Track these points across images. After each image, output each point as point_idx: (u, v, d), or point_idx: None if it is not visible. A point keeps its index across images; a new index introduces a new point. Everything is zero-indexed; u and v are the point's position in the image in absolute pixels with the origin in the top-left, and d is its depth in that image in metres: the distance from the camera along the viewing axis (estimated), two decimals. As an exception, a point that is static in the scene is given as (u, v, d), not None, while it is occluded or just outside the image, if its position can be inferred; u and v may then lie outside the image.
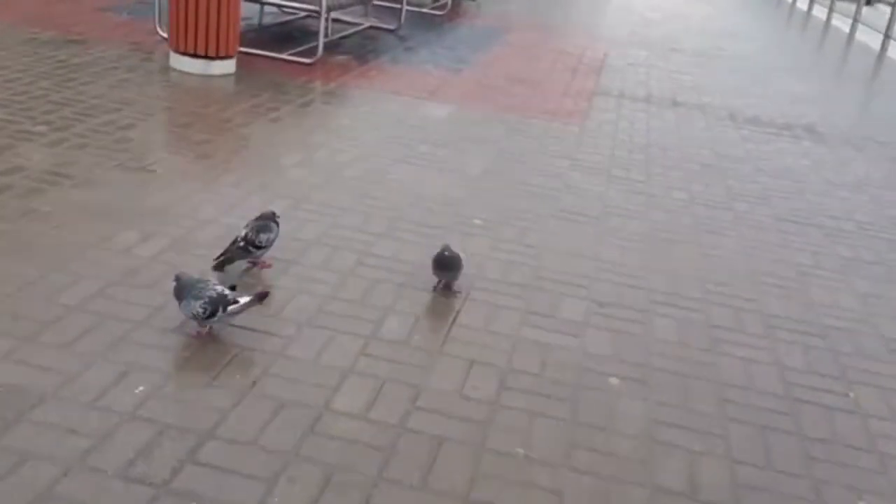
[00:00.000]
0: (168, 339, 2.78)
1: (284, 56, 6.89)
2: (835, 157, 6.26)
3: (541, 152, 5.38)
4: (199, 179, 4.17)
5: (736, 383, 2.96)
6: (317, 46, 6.93)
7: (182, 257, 3.33)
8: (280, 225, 3.39)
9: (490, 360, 2.90)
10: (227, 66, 6.17)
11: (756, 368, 3.08)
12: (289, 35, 7.89)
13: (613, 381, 2.87)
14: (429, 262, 3.50)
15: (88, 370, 2.55)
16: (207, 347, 2.76)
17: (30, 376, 2.49)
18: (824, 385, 3.03)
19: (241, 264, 3.32)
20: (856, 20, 14.93)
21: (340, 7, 7.43)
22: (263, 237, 3.30)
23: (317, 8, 6.78)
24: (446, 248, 3.32)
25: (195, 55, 6.00)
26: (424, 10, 10.44)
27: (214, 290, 2.81)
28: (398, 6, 8.88)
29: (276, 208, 3.84)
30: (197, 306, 2.77)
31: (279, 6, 7.58)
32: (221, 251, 3.31)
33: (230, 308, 2.78)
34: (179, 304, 2.82)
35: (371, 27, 8.84)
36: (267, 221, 3.35)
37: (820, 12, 17.53)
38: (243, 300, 2.80)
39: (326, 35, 7.10)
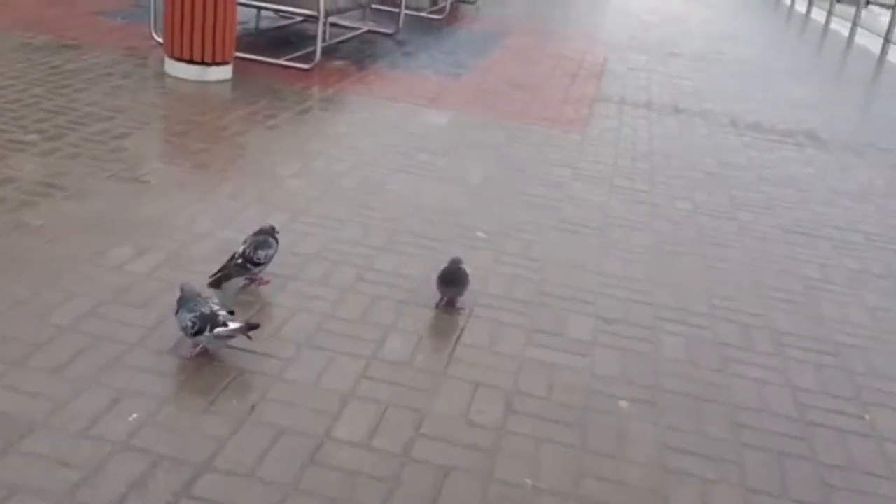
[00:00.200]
0: (163, 361, 2.69)
1: (281, 61, 6.79)
2: (838, 164, 6.19)
3: (542, 161, 5.30)
4: (195, 190, 4.08)
5: (748, 406, 2.88)
6: (314, 51, 6.83)
7: (177, 273, 3.24)
8: (278, 240, 3.30)
9: (495, 381, 2.81)
10: (224, 72, 6.07)
11: (768, 390, 3.00)
12: (286, 40, 7.79)
13: (623, 404, 2.78)
14: (431, 277, 3.41)
15: (80, 396, 2.46)
16: (203, 370, 2.67)
17: (19, 403, 2.39)
18: (838, 407, 2.95)
19: (238, 281, 3.23)
20: (855, 23, 14.88)
21: (338, 12, 7.34)
22: (262, 254, 3.21)
23: (315, 13, 6.69)
24: (456, 261, 3.22)
25: (191, 61, 5.91)
26: (422, 14, 10.35)
27: (209, 307, 2.73)
28: (396, 10, 8.80)
29: (273, 220, 3.76)
30: (187, 319, 2.69)
31: (276, 11, 7.48)
32: (218, 268, 3.21)
33: (217, 330, 2.68)
34: (177, 313, 2.75)
35: (369, 31, 8.75)
36: (266, 237, 3.25)
37: (819, 15, 17.48)
38: (232, 325, 2.70)
39: (324, 40, 7.00)
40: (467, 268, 3.28)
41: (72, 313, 2.87)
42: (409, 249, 3.74)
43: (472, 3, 12.08)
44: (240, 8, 6.29)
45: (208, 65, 5.95)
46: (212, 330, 2.68)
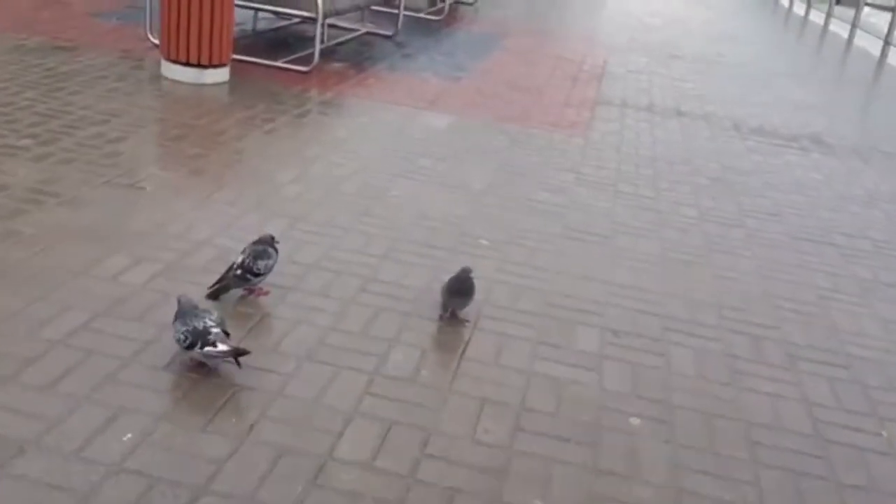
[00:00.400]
0: (158, 378, 2.60)
1: (279, 64, 6.70)
2: (844, 169, 6.11)
3: (545, 165, 5.21)
4: (192, 197, 3.99)
5: (762, 422, 2.80)
6: (312, 53, 6.74)
7: (174, 284, 3.15)
8: (278, 249, 3.21)
9: (502, 398, 2.72)
10: (221, 75, 5.98)
11: (782, 405, 2.91)
12: (283, 41, 7.70)
13: (634, 421, 2.70)
14: (433, 287, 3.33)
15: (73, 414, 2.37)
16: (200, 386, 2.58)
17: (9, 423, 2.30)
18: (855, 423, 2.87)
19: (236, 292, 3.14)
20: (854, 25, 14.82)
21: (337, 13, 7.24)
22: (262, 264, 3.11)
23: (313, 14, 6.59)
24: (466, 271, 3.13)
25: (187, 63, 5.81)
26: (421, 15, 10.26)
27: (203, 322, 2.63)
28: (395, 11, 8.71)
29: (272, 228, 3.69)
30: (180, 332, 2.61)
31: (274, 12, 7.39)
32: (217, 279, 3.13)
33: (206, 349, 2.59)
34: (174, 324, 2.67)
35: (367, 33, 8.66)
36: (265, 247, 3.16)
37: (817, 17, 17.43)
38: (221, 347, 2.60)
39: (322, 41, 6.91)
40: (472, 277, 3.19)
41: (65, 327, 2.78)
42: (412, 259, 3.65)
43: (471, 4, 12.00)
44: (237, 9, 6.19)
45: (205, 67, 5.85)
46: (202, 347, 2.59)
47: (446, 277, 3.32)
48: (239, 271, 3.10)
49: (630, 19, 13.59)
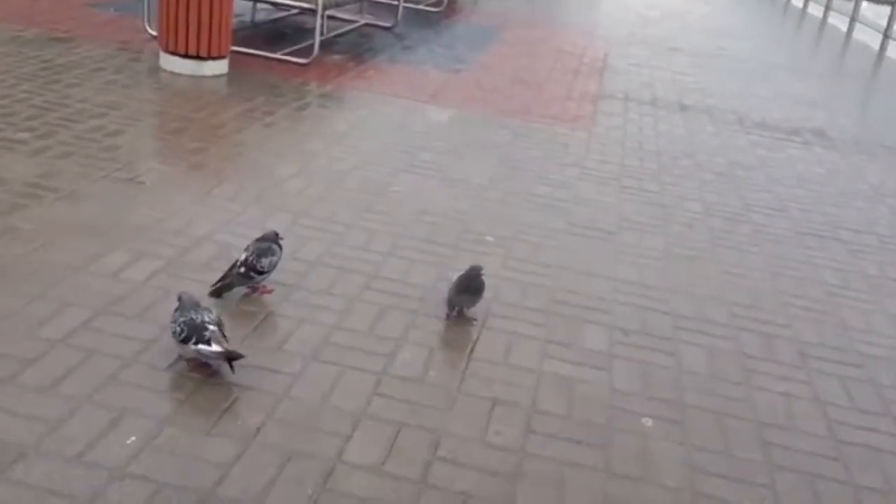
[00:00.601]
0: (161, 378, 2.54)
1: (279, 56, 6.62)
2: (847, 164, 6.07)
3: (548, 160, 5.15)
4: (192, 192, 3.92)
5: (776, 423, 2.75)
6: (312, 45, 6.66)
7: (175, 281, 3.08)
8: (282, 246, 3.15)
9: (513, 398, 2.67)
10: (220, 67, 5.90)
11: (795, 405, 2.87)
12: (282, 33, 7.62)
13: (647, 422, 2.65)
14: (440, 285, 3.28)
15: (74, 417, 2.31)
16: (204, 388, 2.52)
17: (8, 426, 2.24)
18: (869, 423, 2.83)
19: (239, 290, 3.08)
20: (853, 19, 14.77)
21: (336, 5, 7.17)
22: (265, 261, 3.05)
23: (312, 5, 6.51)
24: (477, 269, 3.07)
25: (186, 55, 5.73)
26: (420, 6, 10.18)
27: (202, 316, 2.57)
28: (394, 3, 8.63)
29: (273, 223, 3.63)
30: (178, 323, 2.55)
31: (273, 3, 7.31)
32: (219, 276, 3.06)
33: (199, 346, 2.53)
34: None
35: (367, 25, 8.58)
36: (269, 244, 3.10)
37: (815, 10, 17.37)
38: (214, 348, 2.53)
39: (322, 33, 6.83)
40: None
41: (64, 326, 2.72)
42: (416, 255, 3.59)
43: (470, -4, 11.91)
44: (235, 0, 6.11)
45: (204, 59, 5.78)
46: (196, 343, 2.53)
47: (452, 275, 3.27)
48: (242, 269, 3.03)
49: (629, 13, 13.51)
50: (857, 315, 3.63)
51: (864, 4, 15.88)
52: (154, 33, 6.25)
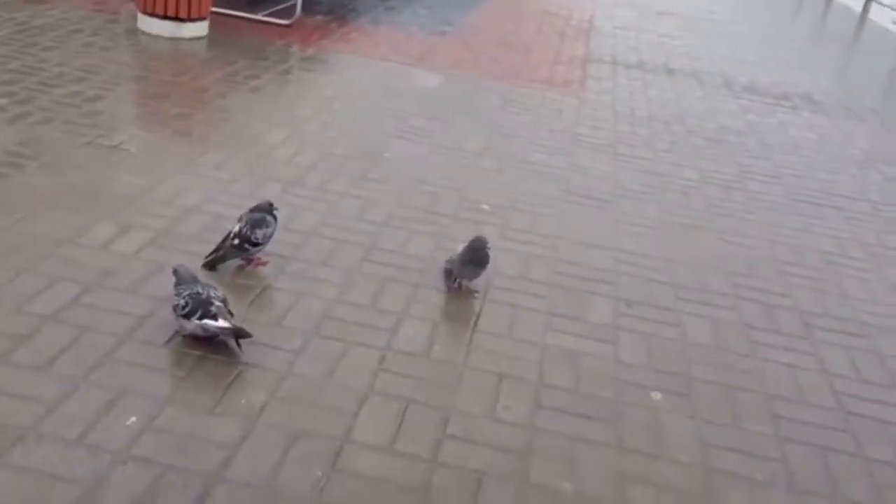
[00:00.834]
0: (159, 355, 2.45)
1: (260, 17, 6.43)
2: (837, 129, 6.04)
3: (540, 126, 5.07)
4: (179, 160, 3.80)
5: (784, 395, 2.73)
6: (294, 6, 6.49)
7: (166, 254, 2.98)
8: (277, 217, 3.05)
9: (519, 373, 2.62)
10: (200, 29, 5.72)
11: (802, 376, 2.84)
12: (262, -7, 7.41)
13: (656, 395, 2.61)
14: (438, 256, 3.21)
15: (71, 397, 2.22)
16: (205, 365, 2.44)
17: (5, 407, 2.15)
18: (875, 395, 2.81)
19: (233, 262, 2.98)
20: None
21: (318, -36, 6.96)
22: (260, 233, 2.96)
23: (294, -35, 6.33)
24: (482, 241, 2.98)
25: (165, 16, 5.54)
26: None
27: (208, 292, 2.50)
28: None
29: (265, 192, 3.55)
30: (182, 297, 2.47)
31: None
32: (213, 248, 2.97)
33: (205, 321, 2.44)
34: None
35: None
36: (263, 215, 3.00)
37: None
38: (222, 323, 2.46)
39: (304, -7, 6.65)
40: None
41: (55, 301, 2.61)
42: (413, 226, 3.51)
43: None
44: (216, -40, 5.92)
45: (183, 21, 5.59)
46: (201, 318, 2.44)
47: (450, 245, 3.20)
48: (236, 241, 2.94)
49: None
50: (857, 284, 3.61)
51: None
52: (131, -7, 6.04)
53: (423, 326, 2.79)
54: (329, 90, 5.18)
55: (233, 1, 6.66)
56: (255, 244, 2.96)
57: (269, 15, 6.51)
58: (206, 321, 2.43)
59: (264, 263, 3.02)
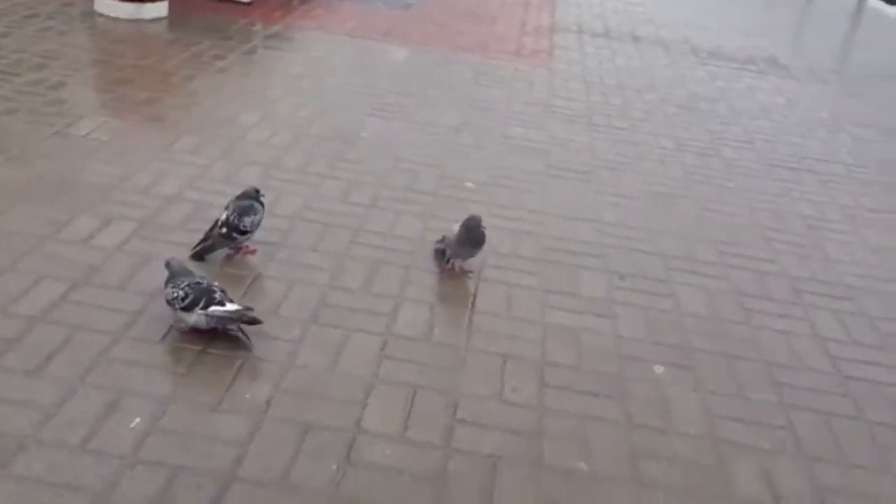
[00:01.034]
0: (155, 353, 2.38)
1: (220, -5, 6.26)
2: (804, 92, 6.10)
3: (515, 99, 5.03)
4: (152, 147, 3.69)
5: (782, 361, 2.75)
6: (254, -17, 6.32)
7: (151, 245, 2.90)
8: (264, 203, 2.98)
9: (522, 352, 2.60)
10: (160, 9, 5.55)
11: (798, 343, 2.87)
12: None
13: (658, 369, 2.62)
14: (428, 237, 3.17)
15: (69, 401, 2.15)
16: (204, 360, 2.38)
17: (1, 414, 2.07)
18: (868, 357, 2.85)
19: (221, 251, 2.91)
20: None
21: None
22: (248, 220, 2.89)
23: (253, -59, 6.15)
24: (478, 220, 2.94)
25: (123, -2, 5.37)
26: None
27: (206, 281, 2.44)
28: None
29: (244, 177, 3.49)
30: (180, 288, 2.40)
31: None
32: (200, 238, 2.89)
33: (213, 308, 2.39)
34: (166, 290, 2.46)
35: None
36: (251, 202, 2.93)
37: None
38: (230, 307, 2.41)
39: (263, -30, 6.47)
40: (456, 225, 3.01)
41: (41, 301, 2.52)
42: (398, 206, 3.46)
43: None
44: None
45: (143, 1, 5.41)
46: (206, 307, 2.38)
47: (437, 225, 3.18)
48: (224, 229, 2.87)
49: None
50: (839, 247, 3.66)
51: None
52: (85, -26, 5.83)
53: (421, 309, 2.75)
54: (297, 68, 5.07)
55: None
56: (244, 232, 2.89)
57: (228, -8, 6.34)
58: (213, 308, 2.36)
59: (252, 252, 2.96)
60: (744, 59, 6.81)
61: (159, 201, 3.21)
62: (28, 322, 2.42)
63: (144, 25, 5.38)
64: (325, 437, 2.15)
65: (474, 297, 2.89)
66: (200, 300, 2.38)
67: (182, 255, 2.79)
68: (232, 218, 2.87)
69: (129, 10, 5.38)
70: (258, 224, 2.93)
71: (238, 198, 2.95)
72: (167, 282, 2.47)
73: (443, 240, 3.04)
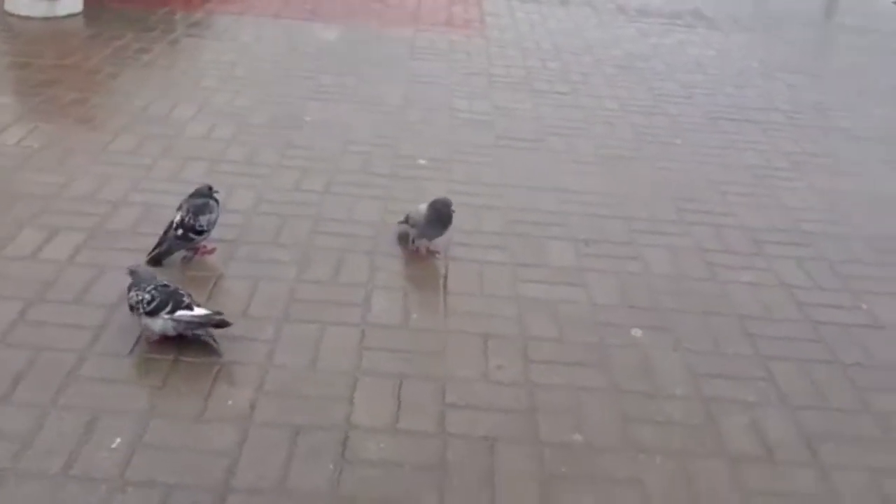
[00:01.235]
0: (126, 367, 2.28)
1: (135, -15, 6.00)
2: (732, 43, 6.18)
3: (454, 71, 4.97)
4: (89, 150, 3.53)
5: (752, 314, 2.79)
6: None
7: (103, 255, 2.78)
8: (219, 200, 2.88)
9: (502, 330, 2.58)
10: (75, 5, 5.30)
11: (765, 293, 2.92)
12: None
13: (636, 333, 2.63)
14: (389, 219, 3.11)
15: (43, 427, 2.05)
16: (179, 369, 2.29)
17: (-28, 450, 1.96)
18: (834, 301, 2.91)
19: (178, 254, 2.80)
20: None
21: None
22: (203, 219, 2.78)
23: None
24: (447, 203, 2.88)
25: (34, -5, 5.11)
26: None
27: (173, 285, 2.35)
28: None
29: (189, 174, 3.39)
30: (147, 291, 2.30)
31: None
32: (156, 242, 2.77)
33: (179, 313, 2.30)
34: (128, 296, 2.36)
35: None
36: (205, 200, 2.82)
37: None
38: (199, 311, 2.33)
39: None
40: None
41: (-3, 323, 2.40)
42: (355, 190, 3.39)
43: None
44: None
45: (55, -4, 5.16)
46: (173, 311, 2.29)
47: (397, 207, 3.13)
48: (179, 231, 2.76)
49: None
50: (790, 194, 3.72)
51: None
52: (-11, -28, 5.52)
53: (394, 296, 2.70)
54: (227, 56, 4.91)
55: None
56: (200, 232, 2.79)
57: (144, -19, 6.09)
58: (181, 312, 2.28)
59: (211, 251, 2.86)
60: (670, 13, 6.86)
61: (105, 207, 3.08)
62: (-15, 348, 2.30)
63: (60, 23, 5.14)
64: (317, 437, 2.09)
65: (445, 277, 2.85)
66: (167, 304, 2.29)
67: (136, 262, 2.68)
68: (187, 218, 2.76)
69: (42, 8, 5.13)
70: (215, 222, 2.83)
71: (191, 196, 2.84)
72: (130, 287, 2.37)
73: (406, 220, 2.99)
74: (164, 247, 2.76)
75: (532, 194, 3.50)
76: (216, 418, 2.13)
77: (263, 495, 1.92)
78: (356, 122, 4.07)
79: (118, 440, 2.02)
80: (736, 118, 4.62)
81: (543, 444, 2.14)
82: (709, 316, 2.76)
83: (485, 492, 1.98)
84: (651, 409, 2.31)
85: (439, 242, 2.98)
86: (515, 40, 5.70)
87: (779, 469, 2.13)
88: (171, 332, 2.31)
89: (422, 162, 3.71)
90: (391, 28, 5.75)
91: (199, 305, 2.36)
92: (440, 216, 2.85)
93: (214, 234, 2.86)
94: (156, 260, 2.75)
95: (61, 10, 5.21)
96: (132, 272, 2.39)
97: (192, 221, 2.76)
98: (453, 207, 2.88)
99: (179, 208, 2.80)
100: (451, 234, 3.02)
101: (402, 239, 3.02)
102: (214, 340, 2.35)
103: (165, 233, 2.78)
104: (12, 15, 5.15)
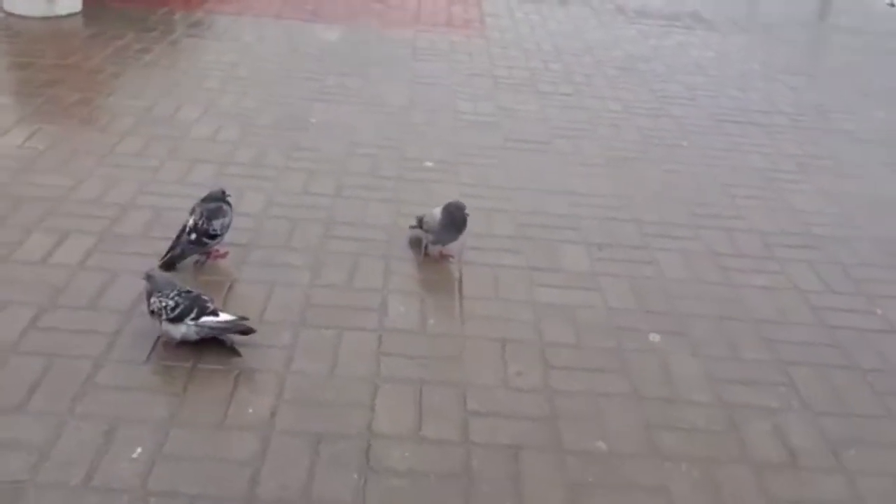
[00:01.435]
0: (144, 374, 2.26)
1: (133, -16, 5.96)
2: (732, 45, 6.19)
3: (457, 72, 4.95)
4: (95, 152, 3.49)
5: (768, 318, 2.78)
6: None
7: (115, 259, 2.74)
8: (231, 204, 2.84)
9: (519, 335, 2.56)
10: (73, 4, 5.25)
11: (780, 298, 2.91)
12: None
13: (654, 338, 2.61)
14: (401, 223, 3.09)
15: (62, 437, 2.02)
16: (198, 377, 2.26)
17: (-10, 460, 1.93)
18: (848, 304, 2.91)
19: (191, 258, 2.77)
20: None
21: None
22: (217, 224, 2.75)
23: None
24: (461, 206, 2.86)
25: (33, -6, 5.06)
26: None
27: (197, 291, 2.34)
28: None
29: (198, 176, 3.37)
30: (170, 298, 2.28)
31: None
32: (168, 246, 2.74)
33: (203, 318, 2.28)
34: (148, 302, 2.33)
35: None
36: (218, 204, 2.80)
37: None
38: (224, 317, 2.31)
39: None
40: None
41: (10, 330, 2.36)
42: (364, 193, 3.37)
43: None
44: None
45: (55, -6, 5.11)
46: (198, 317, 2.27)
47: (408, 210, 3.12)
48: (193, 235, 2.73)
49: None
50: (799, 197, 3.72)
51: None
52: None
53: (410, 300, 2.68)
54: (229, 56, 4.87)
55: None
56: (214, 236, 2.76)
57: (142, -20, 6.04)
58: (206, 318, 2.26)
59: (224, 255, 2.83)
60: (670, 15, 6.86)
61: (114, 210, 3.04)
62: (0, 355, 2.26)
63: (59, 22, 5.09)
64: (340, 445, 2.07)
65: (460, 281, 2.83)
66: (192, 310, 2.27)
67: (150, 267, 2.65)
68: (201, 222, 2.73)
69: (41, 8, 5.08)
70: (228, 226, 2.80)
71: (204, 200, 2.81)
72: (150, 294, 2.34)
73: (419, 224, 2.96)
74: (177, 251, 2.73)
75: (541, 197, 3.48)
76: (237, 426, 2.10)
77: (289, 505, 1.90)
78: (361, 124, 4.04)
79: (139, 450, 2.00)
80: (740, 120, 4.61)
81: (567, 451, 2.12)
82: (725, 320, 2.75)
83: (512, 501, 1.96)
84: (673, 415, 2.29)
85: (453, 246, 2.96)
86: (516, 41, 5.68)
87: (804, 476, 2.12)
88: (194, 338, 2.29)
89: (428, 164, 3.69)
90: (392, 29, 5.73)
91: (222, 311, 2.34)
92: (455, 220, 2.83)
93: (226, 237, 2.83)
94: (169, 264, 2.72)
95: (61, 9, 5.16)
96: (149, 277, 2.36)
97: (205, 226, 2.73)
98: (467, 211, 2.86)
99: (192, 212, 2.77)
100: (463, 237, 3.01)
101: (415, 243, 2.99)
102: (234, 345, 2.33)
103: (178, 237, 2.75)
104: (12, 15, 5.10)
